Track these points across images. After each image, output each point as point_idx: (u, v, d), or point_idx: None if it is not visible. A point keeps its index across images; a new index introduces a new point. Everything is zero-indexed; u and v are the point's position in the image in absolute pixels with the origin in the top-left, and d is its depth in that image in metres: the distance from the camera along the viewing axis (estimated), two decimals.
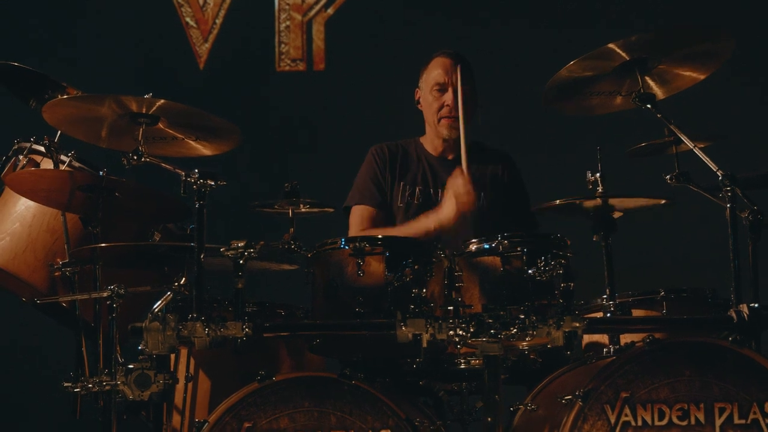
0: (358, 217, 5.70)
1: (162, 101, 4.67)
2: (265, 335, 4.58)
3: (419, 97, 5.80)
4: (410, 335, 4.40)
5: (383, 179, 5.74)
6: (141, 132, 4.70)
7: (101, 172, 4.93)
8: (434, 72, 5.72)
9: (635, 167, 5.33)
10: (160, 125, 4.78)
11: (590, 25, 7.83)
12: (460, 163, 5.58)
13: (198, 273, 4.50)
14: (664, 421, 4.39)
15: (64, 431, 5.89)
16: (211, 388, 4.96)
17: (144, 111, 4.71)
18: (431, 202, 5.64)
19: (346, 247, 4.55)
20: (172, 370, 4.70)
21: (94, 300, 4.91)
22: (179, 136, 4.87)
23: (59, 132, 5.21)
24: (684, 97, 5.04)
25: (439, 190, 5.67)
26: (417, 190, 5.70)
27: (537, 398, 4.73)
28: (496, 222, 5.50)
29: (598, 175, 4.78)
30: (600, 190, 4.75)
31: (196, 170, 4.55)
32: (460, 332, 4.42)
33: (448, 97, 5.66)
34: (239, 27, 8.17)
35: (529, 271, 4.47)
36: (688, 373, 4.41)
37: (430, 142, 5.80)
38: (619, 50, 4.78)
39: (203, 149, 4.99)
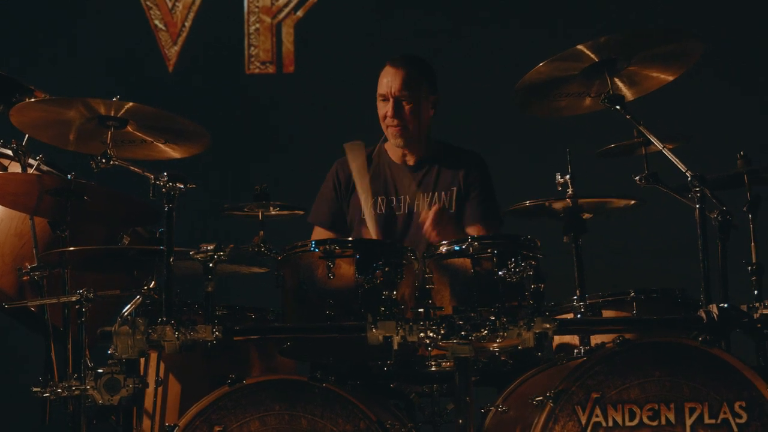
0: (315, 237, 5.74)
1: (130, 104, 4.63)
2: (235, 338, 4.58)
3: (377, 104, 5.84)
4: (381, 337, 4.39)
5: (338, 196, 5.78)
6: (109, 135, 4.67)
7: (69, 176, 4.90)
8: (381, 81, 5.75)
9: (605, 168, 5.34)
10: (129, 128, 4.74)
11: (567, 24, 7.87)
12: (422, 167, 5.70)
13: (167, 276, 4.48)
14: (635, 422, 4.40)
15: None
16: (182, 392, 4.93)
17: (112, 114, 4.67)
18: (394, 211, 5.66)
19: (317, 250, 4.54)
20: (141, 374, 4.68)
21: (63, 304, 4.88)
22: (148, 139, 4.84)
23: (27, 135, 5.18)
24: (653, 99, 5.05)
25: (402, 198, 5.69)
26: (380, 200, 5.71)
27: (508, 400, 4.73)
28: (460, 222, 5.54)
29: (567, 177, 4.79)
30: (570, 192, 4.77)
31: (165, 173, 4.53)
32: (431, 334, 4.41)
33: (388, 106, 5.69)
34: (208, 29, 8.16)
35: (500, 273, 4.47)
36: (659, 374, 4.42)
37: (392, 148, 5.82)
38: (587, 51, 4.78)
39: (172, 152, 4.97)
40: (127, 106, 4.63)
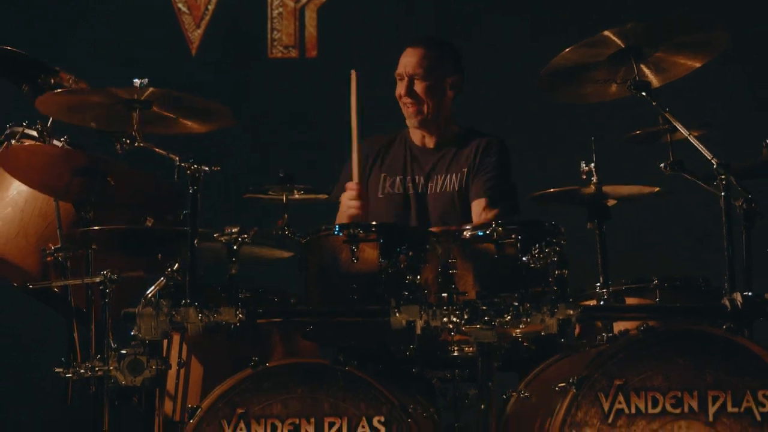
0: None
1: (151, 89, 4.61)
2: (258, 321, 4.58)
3: None
4: (404, 322, 4.38)
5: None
6: (134, 117, 4.65)
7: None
8: (400, 61, 5.78)
9: (629, 155, 5.33)
10: (154, 108, 4.72)
11: (592, 11, 7.82)
12: (441, 150, 5.72)
13: (191, 258, 4.48)
14: (658, 409, 4.39)
15: (55, 417, 5.88)
16: (204, 374, 4.95)
17: (136, 97, 4.66)
18: (409, 191, 5.68)
19: (340, 234, 4.54)
20: (164, 355, 4.69)
21: (87, 285, 4.89)
22: (172, 116, 4.82)
23: (51, 117, 5.19)
24: (679, 85, 5.03)
25: (417, 178, 5.69)
26: (397, 179, 5.73)
27: (530, 386, 4.73)
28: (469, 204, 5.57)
29: (592, 165, 4.78)
30: (594, 181, 4.75)
31: (191, 156, 4.53)
32: (454, 319, 4.41)
33: (402, 86, 5.71)
34: (231, 13, 8.15)
35: (524, 259, 4.46)
36: (682, 361, 4.41)
37: (414, 131, 5.83)
38: (614, 38, 4.77)
39: (197, 127, 4.93)
40: (149, 91, 4.61)
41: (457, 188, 5.65)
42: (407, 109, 5.71)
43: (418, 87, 5.69)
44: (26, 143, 5.22)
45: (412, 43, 5.78)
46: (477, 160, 5.67)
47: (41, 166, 4.99)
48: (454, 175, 5.67)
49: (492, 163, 5.68)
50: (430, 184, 5.70)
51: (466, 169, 5.66)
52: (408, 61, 5.71)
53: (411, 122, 5.74)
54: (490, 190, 5.59)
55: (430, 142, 5.79)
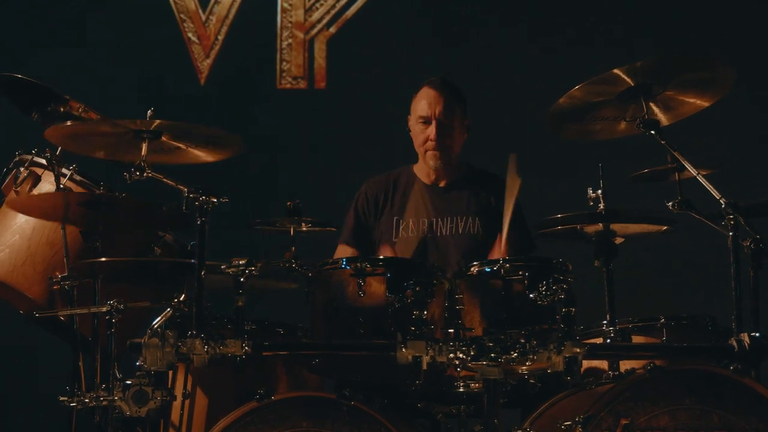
0: (338, 255, 5.74)
1: (157, 122, 4.62)
2: (264, 354, 4.57)
3: (410, 125, 5.83)
4: (410, 357, 4.37)
5: (366, 218, 5.78)
6: (144, 147, 4.66)
7: (100, 186, 4.93)
8: (420, 103, 5.75)
9: (637, 193, 5.32)
10: (164, 138, 4.73)
11: (596, 46, 7.83)
12: (453, 190, 5.70)
13: (198, 290, 4.48)
14: None
15: None
16: (209, 406, 4.93)
17: (144, 129, 4.67)
18: (426, 232, 5.66)
19: (348, 267, 4.53)
20: (169, 386, 4.68)
21: (93, 314, 4.89)
22: (182, 146, 4.83)
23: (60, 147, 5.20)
24: (688, 124, 5.04)
25: (434, 220, 5.68)
26: (410, 222, 5.71)
27: (536, 423, 4.71)
28: (490, 246, 5.52)
29: (599, 191, 4.78)
30: (601, 207, 4.75)
31: (199, 187, 4.53)
32: (461, 355, 4.39)
33: (431, 130, 5.69)
34: (241, 43, 8.17)
35: (531, 296, 4.46)
36: (689, 401, 4.40)
37: (423, 170, 5.81)
38: (624, 76, 4.78)
39: (206, 156, 4.94)
40: (156, 123, 4.63)
41: (482, 232, 5.63)
42: (433, 153, 5.69)
43: (446, 131, 5.69)
44: (33, 193, 5.25)
45: (433, 86, 5.74)
46: (497, 206, 5.65)
47: (49, 206, 5.01)
48: (478, 218, 5.65)
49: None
50: (450, 226, 5.68)
51: (489, 214, 5.64)
52: (434, 104, 5.69)
53: (435, 164, 5.71)
54: (518, 240, 5.58)
55: (441, 182, 5.78)
